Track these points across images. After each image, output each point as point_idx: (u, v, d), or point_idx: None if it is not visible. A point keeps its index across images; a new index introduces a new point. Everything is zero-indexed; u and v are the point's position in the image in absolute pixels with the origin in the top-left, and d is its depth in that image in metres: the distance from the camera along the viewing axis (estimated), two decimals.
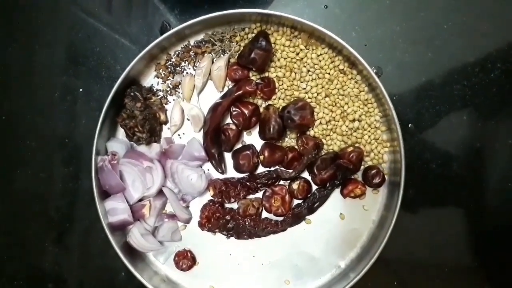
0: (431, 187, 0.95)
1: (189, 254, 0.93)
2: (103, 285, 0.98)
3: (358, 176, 0.93)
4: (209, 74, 0.94)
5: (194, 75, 0.94)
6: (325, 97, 0.92)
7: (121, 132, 0.94)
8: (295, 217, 0.92)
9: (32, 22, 0.98)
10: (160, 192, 0.92)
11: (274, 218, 0.93)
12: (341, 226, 0.93)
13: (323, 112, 0.92)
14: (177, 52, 0.95)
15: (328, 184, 0.91)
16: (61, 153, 0.98)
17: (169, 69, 0.95)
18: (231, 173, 0.94)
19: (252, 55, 0.87)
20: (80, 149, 0.97)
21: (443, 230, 0.95)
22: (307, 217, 0.93)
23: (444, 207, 0.95)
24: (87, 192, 0.94)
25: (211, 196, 0.92)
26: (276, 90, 0.93)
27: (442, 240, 0.95)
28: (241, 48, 0.92)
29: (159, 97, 0.95)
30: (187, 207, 0.94)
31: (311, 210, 0.92)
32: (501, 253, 0.95)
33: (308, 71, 0.92)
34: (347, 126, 0.91)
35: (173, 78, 0.95)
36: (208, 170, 0.94)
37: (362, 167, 0.92)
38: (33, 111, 0.99)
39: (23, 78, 0.99)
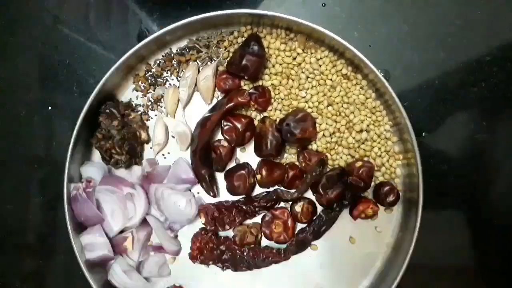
0: (451, 203, 0.88)
1: None
2: None
3: (369, 193, 0.86)
4: (195, 85, 0.87)
5: (178, 87, 0.87)
6: (328, 106, 0.85)
7: (96, 155, 0.88)
8: (299, 244, 0.85)
9: None
10: (144, 222, 0.86)
11: (276, 245, 0.86)
12: (352, 251, 0.86)
13: (326, 123, 0.85)
14: (157, 62, 0.88)
15: (335, 205, 0.84)
16: (31, 180, 0.91)
17: (149, 81, 0.88)
18: (225, 196, 0.87)
19: (244, 62, 0.81)
20: (53, 175, 0.89)
21: (467, 252, 0.88)
22: (313, 243, 0.86)
23: (466, 225, 0.87)
24: (61, 224, 0.85)
25: (203, 223, 0.85)
26: (272, 100, 0.86)
27: (466, 265, 0.88)
28: (231, 54, 0.85)
29: (139, 113, 0.88)
30: (176, 237, 0.87)
31: (317, 234, 0.85)
32: None
33: (307, 77, 0.85)
34: (354, 138, 0.84)
35: (154, 91, 0.88)
36: (198, 193, 0.88)
37: (372, 184, 0.85)
38: None
39: None
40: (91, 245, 0.81)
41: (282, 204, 0.86)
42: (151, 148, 0.87)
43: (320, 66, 0.85)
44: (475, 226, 0.87)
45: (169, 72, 0.87)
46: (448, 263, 0.88)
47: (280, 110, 0.85)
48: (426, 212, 0.80)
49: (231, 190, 0.84)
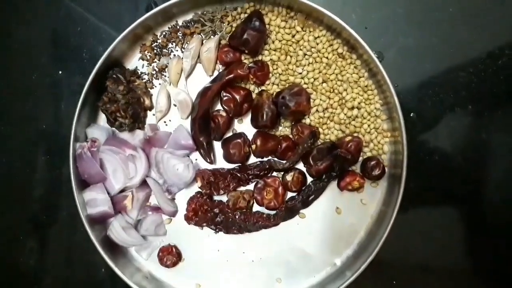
0: (433, 180, 0.90)
1: (174, 250, 0.89)
2: (82, 282, 0.94)
3: (357, 168, 0.89)
4: (198, 56, 0.90)
5: (182, 58, 0.90)
6: (323, 82, 0.88)
7: (102, 118, 0.91)
8: (288, 211, 0.88)
9: None
10: (143, 183, 0.89)
11: (266, 211, 0.89)
12: (338, 221, 0.89)
13: (320, 99, 0.87)
14: (163, 33, 0.90)
15: (324, 176, 0.87)
16: (39, 140, 0.94)
17: (155, 51, 0.90)
18: (221, 163, 0.90)
19: (245, 36, 0.83)
20: (60, 136, 0.93)
21: (445, 227, 0.91)
22: (301, 211, 0.89)
23: (446, 202, 0.91)
24: (66, 182, 0.89)
25: (199, 187, 0.88)
26: (270, 74, 0.89)
27: (444, 238, 0.91)
28: (233, 29, 0.88)
29: (143, 80, 0.90)
30: (173, 199, 0.90)
31: (306, 203, 0.88)
32: (503, 253, 0.91)
33: (305, 54, 0.88)
34: (345, 114, 0.87)
35: (159, 60, 0.91)
36: (196, 160, 0.90)
37: (360, 158, 0.88)
38: (9, 94, 0.95)
39: None
40: (93, 201, 0.84)
41: (274, 173, 0.89)
42: (153, 114, 0.90)
43: (318, 44, 0.87)
44: (457, 203, 0.90)
45: (174, 44, 0.90)
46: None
47: (277, 85, 0.88)
48: (409, 188, 0.84)
49: (227, 157, 0.87)
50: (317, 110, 0.87)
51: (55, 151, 0.93)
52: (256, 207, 0.90)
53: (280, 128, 0.90)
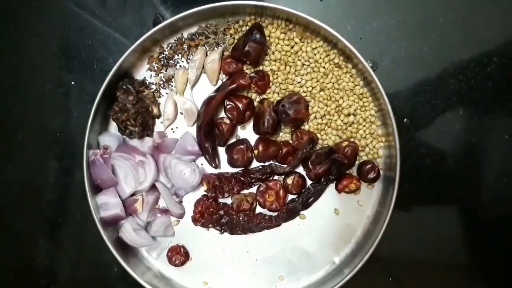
0: (426, 182, 0.94)
1: (182, 250, 0.92)
2: (96, 281, 0.98)
3: (353, 171, 0.92)
4: (203, 67, 0.93)
5: (188, 68, 0.93)
6: (320, 91, 0.91)
7: (113, 126, 0.93)
8: (289, 212, 0.91)
9: (23, 12, 0.97)
10: (152, 187, 0.92)
11: (268, 213, 0.92)
12: (336, 221, 0.93)
13: (318, 106, 0.91)
14: (170, 45, 0.94)
15: (322, 179, 0.90)
16: (52, 147, 0.97)
17: (162, 62, 0.94)
18: (225, 168, 0.93)
19: (246, 48, 0.87)
20: (72, 143, 0.96)
21: (438, 226, 0.94)
22: (302, 212, 0.93)
23: (439, 203, 0.95)
24: (79, 187, 0.92)
25: (205, 191, 0.91)
26: (271, 83, 0.92)
27: (437, 236, 0.94)
28: (235, 41, 0.91)
29: (152, 90, 0.94)
30: (180, 202, 0.93)
31: (306, 205, 0.92)
32: (496, 249, 0.95)
33: (303, 64, 0.91)
34: (342, 121, 0.91)
35: (166, 71, 0.94)
36: (202, 164, 0.94)
37: (357, 162, 0.92)
38: (24, 104, 0.98)
39: (13, 70, 0.98)
40: (106, 204, 0.87)
41: (275, 177, 0.92)
42: (161, 122, 0.93)
43: (315, 55, 0.90)
44: (448, 204, 0.94)
45: (180, 55, 0.93)
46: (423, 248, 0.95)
47: (278, 93, 0.91)
48: (403, 190, 0.88)
49: (231, 162, 0.91)
50: (315, 117, 0.91)
51: (68, 157, 0.96)
52: (258, 209, 0.93)
53: (281, 134, 0.93)
